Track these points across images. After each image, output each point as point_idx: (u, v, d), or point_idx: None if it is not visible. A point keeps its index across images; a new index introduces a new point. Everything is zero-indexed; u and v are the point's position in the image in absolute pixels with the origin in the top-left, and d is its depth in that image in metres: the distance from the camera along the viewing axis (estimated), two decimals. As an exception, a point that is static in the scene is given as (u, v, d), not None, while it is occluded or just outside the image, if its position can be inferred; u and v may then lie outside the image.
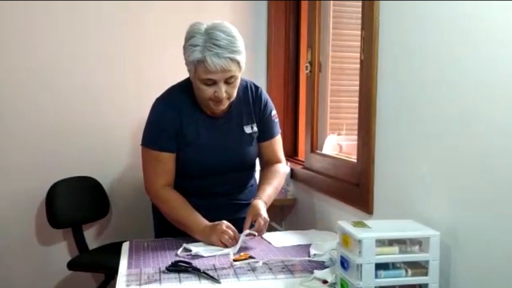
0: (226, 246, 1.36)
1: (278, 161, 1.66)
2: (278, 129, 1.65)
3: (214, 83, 1.39)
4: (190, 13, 2.36)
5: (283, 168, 1.67)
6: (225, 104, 1.45)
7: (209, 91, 1.40)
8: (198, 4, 2.37)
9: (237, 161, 1.55)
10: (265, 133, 1.61)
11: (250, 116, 1.56)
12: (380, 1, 1.36)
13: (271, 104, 1.63)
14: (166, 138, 1.48)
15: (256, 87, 1.60)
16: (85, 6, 2.25)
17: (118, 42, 2.32)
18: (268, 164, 1.64)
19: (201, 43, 1.35)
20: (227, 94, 1.41)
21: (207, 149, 1.50)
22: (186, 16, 2.36)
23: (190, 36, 1.38)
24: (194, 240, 1.43)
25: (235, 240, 1.37)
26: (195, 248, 1.36)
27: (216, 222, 1.42)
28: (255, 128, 1.57)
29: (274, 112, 1.63)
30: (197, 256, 1.32)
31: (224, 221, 1.41)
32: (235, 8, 2.43)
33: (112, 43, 2.31)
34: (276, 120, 1.64)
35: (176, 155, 1.51)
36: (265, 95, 1.62)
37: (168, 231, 1.55)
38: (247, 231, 1.39)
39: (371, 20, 1.39)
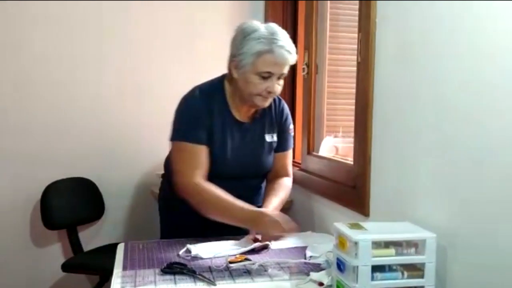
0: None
1: (287, 175, 1.65)
2: (291, 143, 1.66)
3: (269, 77, 1.41)
4: (188, 12, 2.37)
5: (290, 182, 1.65)
6: (269, 101, 1.48)
7: (261, 85, 1.41)
8: (195, 4, 2.37)
9: (255, 168, 1.55)
10: (280, 145, 1.61)
11: (272, 126, 1.58)
12: (377, 2, 1.37)
13: (290, 118, 1.65)
14: (201, 131, 1.46)
15: (279, 99, 1.61)
16: (86, 7, 2.24)
17: (115, 43, 2.31)
18: (276, 176, 1.62)
19: (266, 35, 1.38)
20: (276, 90, 1.44)
21: (229, 153, 1.49)
22: (184, 16, 2.38)
23: (251, 30, 1.41)
24: (191, 241, 1.42)
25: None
26: (195, 249, 1.35)
27: (262, 211, 1.40)
28: (275, 138, 1.58)
29: (291, 126, 1.65)
30: (193, 258, 1.31)
31: (266, 214, 1.38)
32: (233, 7, 2.43)
33: (110, 45, 2.30)
34: (292, 134, 1.66)
35: None
36: (287, 108, 1.64)
37: (175, 232, 1.54)
38: (257, 244, 1.38)
39: (368, 23, 1.39)
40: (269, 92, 1.42)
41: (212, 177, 1.50)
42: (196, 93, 1.51)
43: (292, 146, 1.66)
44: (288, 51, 1.39)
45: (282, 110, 1.60)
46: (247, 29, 1.42)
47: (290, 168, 1.67)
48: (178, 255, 1.34)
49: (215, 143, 1.48)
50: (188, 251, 1.35)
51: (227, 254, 1.31)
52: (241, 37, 1.42)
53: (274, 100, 1.58)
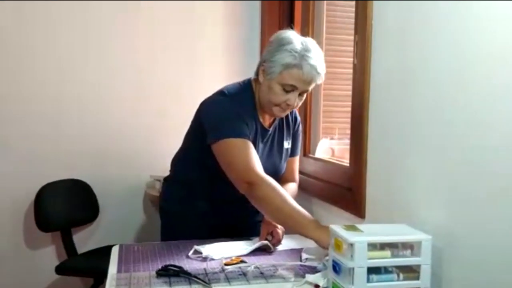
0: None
1: (294, 180, 1.67)
2: (299, 148, 1.69)
3: (292, 90, 1.41)
4: (184, 12, 2.37)
5: (296, 187, 1.67)
6: (286, 113, 1.49)
7: (282, 96, 1.42)
8: (192, 4, 2.37)
9: (272, 173, 1.51)
10: (291, 150, 1.63)
11: (288, 132, 1.60)
12: (374, 3, 1.37)
13: (301, 124, 1.67)
14: (245, 127, 1.40)
15: None
16: (86, 6, 2.24)
17: (110, 44, 2.31)
18: (283, 180, 1.62)
19: (300, 50, 1.38)
20: (296, 104, 1.45)
21: None
22: (180, 16, 2.38)
23: (287, 41, 1.41)
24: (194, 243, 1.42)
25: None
26: (206, 250, 1.35)
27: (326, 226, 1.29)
28: (290, 144, 1.61)
29: (301, 132, 1.68)
30: (188, 260, 1.31)
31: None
32: (229, 7, 2.43)
33: (105, 46, 2.30)
34: (301, 139, 1.68)
35: None
36: (297, 113, 1.66)
37: (176, 235, 1.53)
38: (265, 242, 1.40)
39: (364, 25, 1.39)
40: (288, 105, 1.43)
41: (228, 180, 1.44)
42: (225, 94, 1.47)
43: (299, 152, 1.70)
44: (317, 71, 1.39)
45: (296, 117, 1.65)
46: (283, 40, 1.42)
47: (297, 173, 1.69)
48: (187, 256, 1.34)
49: None
50: (197, 252, 1.36)
51: (238, 254, 1.32)
52: (276, 45, 1.43)
53: None
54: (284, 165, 1.60)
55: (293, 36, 1.43)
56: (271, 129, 1.54)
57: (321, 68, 1.41)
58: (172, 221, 1.61)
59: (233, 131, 1.39)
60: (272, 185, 1.33)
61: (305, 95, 1.47)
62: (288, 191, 1.52)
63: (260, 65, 1.47)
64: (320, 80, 1.43)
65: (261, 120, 1.51)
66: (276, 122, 1.56)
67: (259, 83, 1.48)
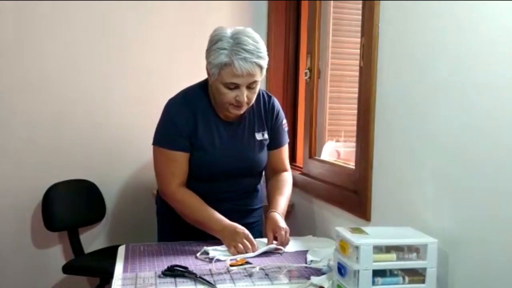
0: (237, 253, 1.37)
1: (285, 170, 1.66)
2: (287, 137, 1.66)
3: (236, 87, 1.40)
4: (190, 13, 2.37)
5: (290, 176, 1.67)
6: (244, 109, 1.46)
7: (230, 95, 1.41)
8: (197, 4, 2.38)
9: (247, 167, 1.56)
10: (275, 142, 1.61)
11: (261, 124, 1.57)
12: (380, 6, 1.37)
13: (282, 113, 1.64)
14: (181, 138, 1.48)
15: (269, 96, 1.62)
16: (87, 7, 2.25)
17: (117, 44, 2.32)
18: (274, 172, 1.64)
19: (228, 46, 1.36)
20: (248, 99, 1.43)
21: (218, 154, 1.50)
22: (186, 16, 2.38)
23: (216, 39, 1.39)
24: (206, 243, 1.43)
25: (249, 249, 1.37)
26: (213, 252, 1.36)
27: (239, 228, 1.41)
28: (266, 136, 1.58)
29: (285, 121, 1.64)
30: (193, 261, 1.32)
31: (245, 230, 1.41)
32: (236, 8, 2.43)
33: (112, 45, 2.31)
34: (286, 128, 1.66)
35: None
36: (277, 104, 1.63)
37: (173, 236, 1.55)
38: (273, 246, 1.40)
39: (371, 27, 1.39)
40: (238, 101, 1.42)
41: (202, 179, 1.52)
42: (179, 97, 1.53)
43: (287, 140, 1.67)
44: (252, 61, 1.36)
45: (273, 107, 1.59)
46: (214, 38, 1.41)
47: (287, 163, 1.68)
48: (196, 257, 1.35)
49: (202, 146, 1.49)
50: (205, 253, 1.36)
51: (245, 256, 1.33)
52: (209, 45, 1.42)
53: (264, 97, 1.58)
54: (260, 156, 1.57)
55: (224, 31, 1.39)
56: (236, 121, 1.52)
57: (257, 56, 1.37)
58: (166, 221, 1.62)
59: (168, 142, 1.48)
60: (182, 200, 1.49)
61: (256, 86, 1.44)
62: (283, 183, 1.61)
63: (206, 68, 1.45)
64: (263, 65, 1.39)
65: (220, 114, 1.51)
66: (246, 115, 1.53)
67: None
